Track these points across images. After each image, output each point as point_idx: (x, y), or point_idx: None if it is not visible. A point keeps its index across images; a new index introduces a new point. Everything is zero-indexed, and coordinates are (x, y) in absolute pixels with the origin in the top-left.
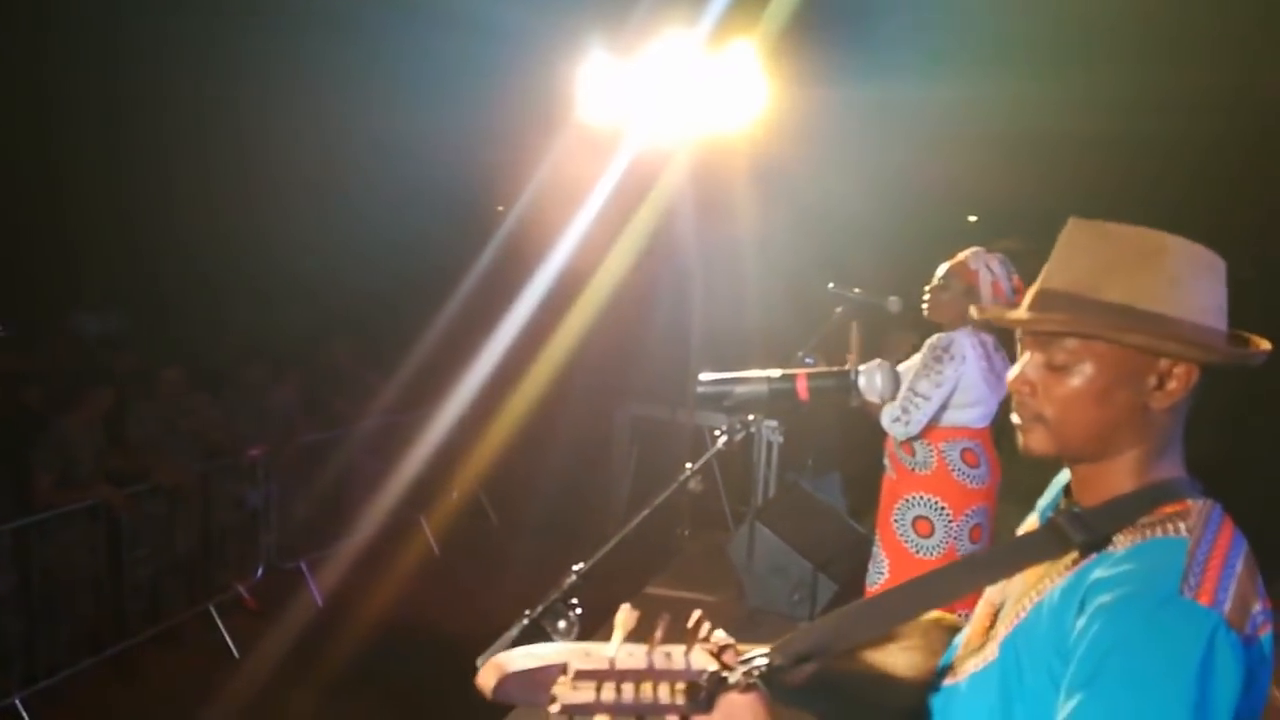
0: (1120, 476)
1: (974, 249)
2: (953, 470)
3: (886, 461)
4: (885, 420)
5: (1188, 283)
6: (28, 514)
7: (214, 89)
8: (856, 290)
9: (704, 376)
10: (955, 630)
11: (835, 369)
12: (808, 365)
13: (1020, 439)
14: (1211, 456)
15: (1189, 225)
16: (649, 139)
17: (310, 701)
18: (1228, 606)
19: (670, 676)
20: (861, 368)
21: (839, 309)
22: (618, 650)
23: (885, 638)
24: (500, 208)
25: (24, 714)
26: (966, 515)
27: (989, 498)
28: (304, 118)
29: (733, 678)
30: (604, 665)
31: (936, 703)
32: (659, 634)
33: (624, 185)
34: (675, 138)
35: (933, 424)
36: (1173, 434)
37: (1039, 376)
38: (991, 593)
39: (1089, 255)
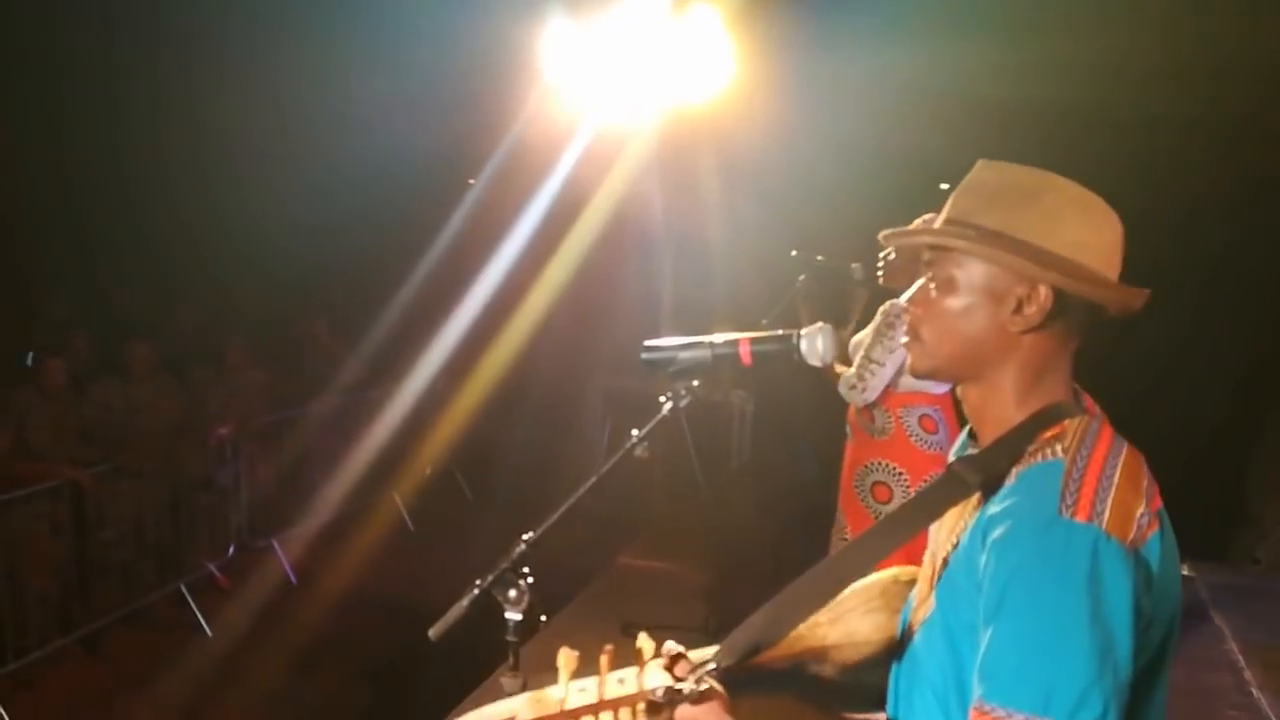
0: (1003, 408)
1: (931, 214)
2: (910, 436)
3: (848, 428)
4: (842, 388)
5: (1062, 218)
6: None
7: (164, 57)
8: (819, 257)
9: (649, 343)
10: (914, 584)
11: (778, 333)
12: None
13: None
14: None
15: (1155, 195)
16: (616, 109)
17: (285, 678)
18: (1106, 517)
19: (627, 701)
20: (803, 331)
21: (802, 276)
22: (567, 690)
23: (844, 605)
24: (471, 180)
25: None
26: (924, 481)
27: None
28: (261, 84)
29: (687, 688)
30: (555, 710)
31: (901, 658)
32: (604, 663)
33: (590, 156)
34: (642, 108)
35: (890, 389)
36: (1047, 363)
37: (923, 298)
38: (932, 543)
39: (982, 189)
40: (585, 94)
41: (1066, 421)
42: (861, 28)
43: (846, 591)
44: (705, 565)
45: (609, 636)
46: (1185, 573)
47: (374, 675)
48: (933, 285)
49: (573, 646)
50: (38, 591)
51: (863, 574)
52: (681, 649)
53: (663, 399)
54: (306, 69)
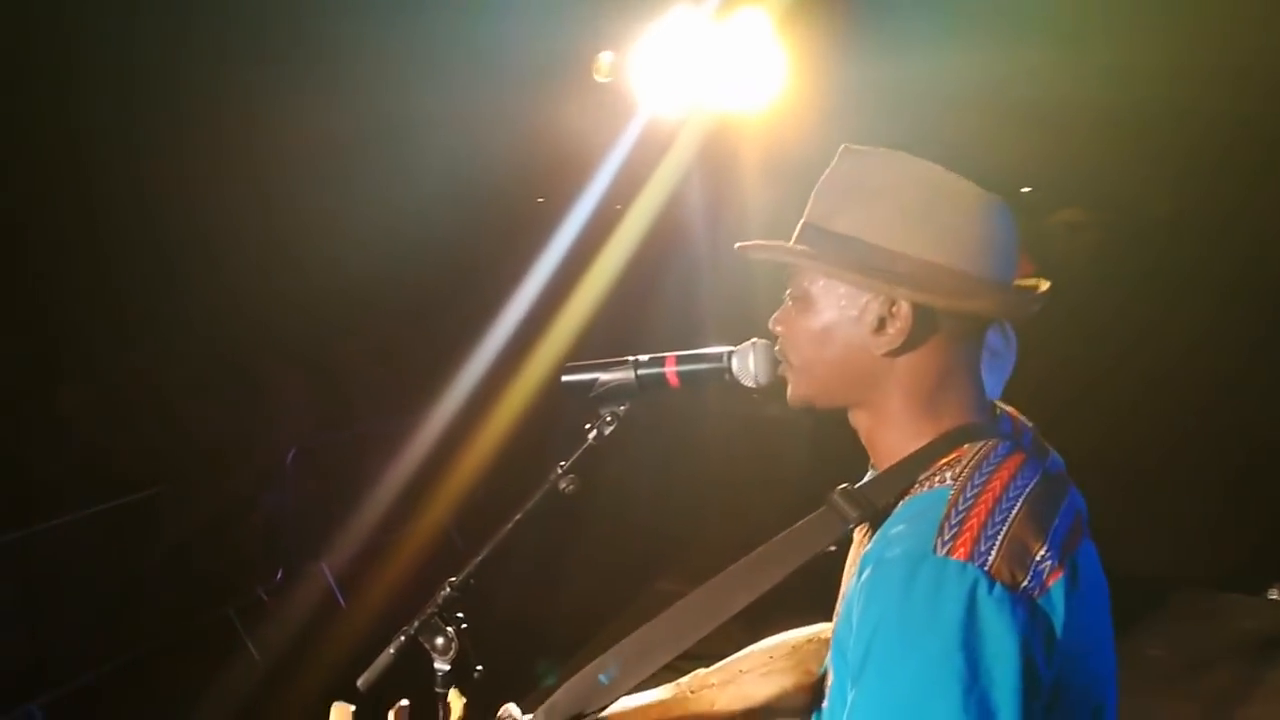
0: (896, 437)
1: None
2: None
3: None
4: None
5: (920, 214)
6: (29, 523)
7: (213, 64)
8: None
9: (568, 365)
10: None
11: (708, 351)
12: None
13: None
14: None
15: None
16: (662, 116)
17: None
18: (992, 558)
19: None
20: (735, 349)
21: None
22: None
23: (739, 665)
24: (540, 199)
25: None
26: None
27: None
28: (308, 96)
29: None
30: None
31: None
32: None
33: (634, 164)
34: (688, 114)
35: None
36: (939, 382)
37: (785, 316)
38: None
39: (837, 186)
40: (632, 101)
41: (966, 446)
42: (912, 32)
43: (746, 651)
44: None
45: None
46: (1274, 597)
47: (426, 702)
48: (793, 297)
49: None
50: (83, 619)
51: (707, 629)
52: (515, 713)
53: (587, 427)
54: (356, 82)
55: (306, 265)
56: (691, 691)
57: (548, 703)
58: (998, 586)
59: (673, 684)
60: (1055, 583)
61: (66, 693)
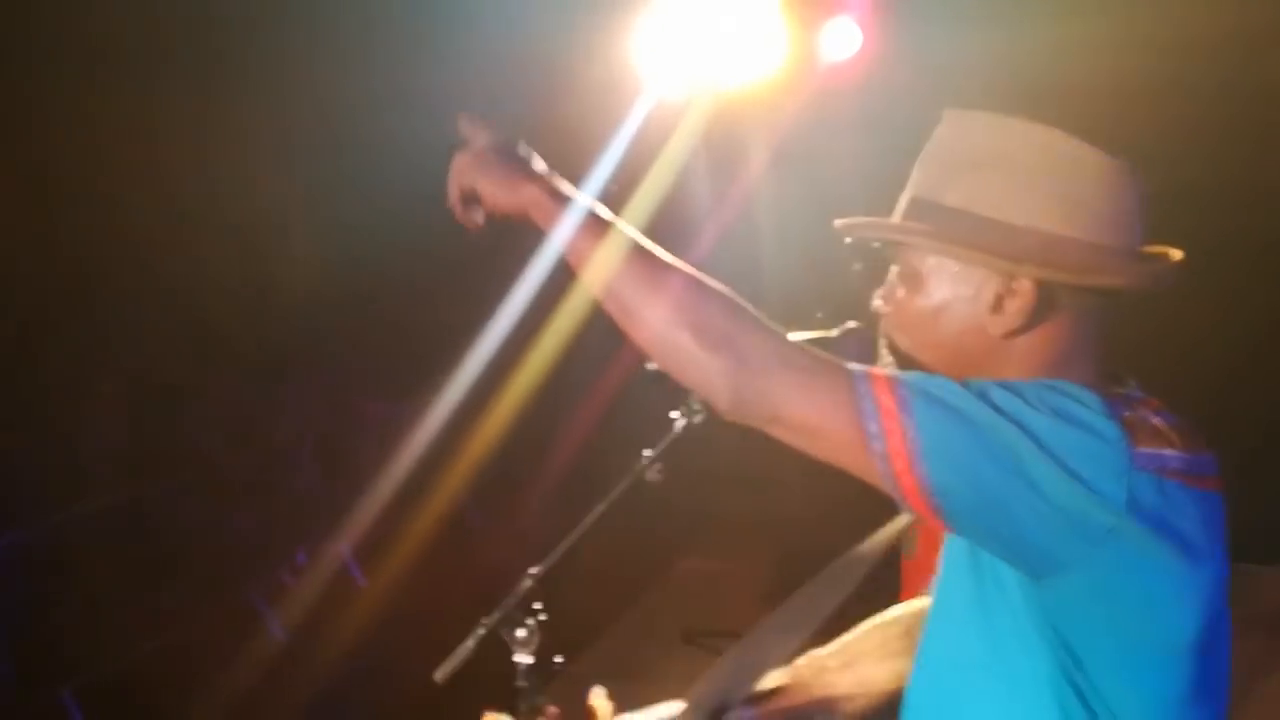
0: None
1: None
2: None
3: None
4: None
5: (1041, 183)
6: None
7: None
8: (876, 244)
9: None
10: None
11: (799, 336)
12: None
13: None
14: None
15: None
16: (664, 93)
17: (359, 686)
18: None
19: None
20: (831, 335)
21: (857, 265)
22: None
23: (857, 647)
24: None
25: (75, 708)
26: None
27: None
28: (295, 72)
29: None
30: None
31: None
32: None
33: (635, 143)
34: (690, 90)
35: None
36: (1060, 360)
37: (893, 295)
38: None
39: (943, 155)
40: (634, 77)
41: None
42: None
43: (860, 630)
44: (772, 565)
45: (669, 646)
46: None
47: (447, 683)
48: (903, 274)
49: (633, 657)
50: (107, 606)
51: (841, 597)
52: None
53: (674, 415)
54: (341, 59)
55: (321, 243)
56: (811, 675)
57: (692, 698)
58: (1130, 447)
59: (789, 667)
60: (1174, 480)
61: (93, 680)
